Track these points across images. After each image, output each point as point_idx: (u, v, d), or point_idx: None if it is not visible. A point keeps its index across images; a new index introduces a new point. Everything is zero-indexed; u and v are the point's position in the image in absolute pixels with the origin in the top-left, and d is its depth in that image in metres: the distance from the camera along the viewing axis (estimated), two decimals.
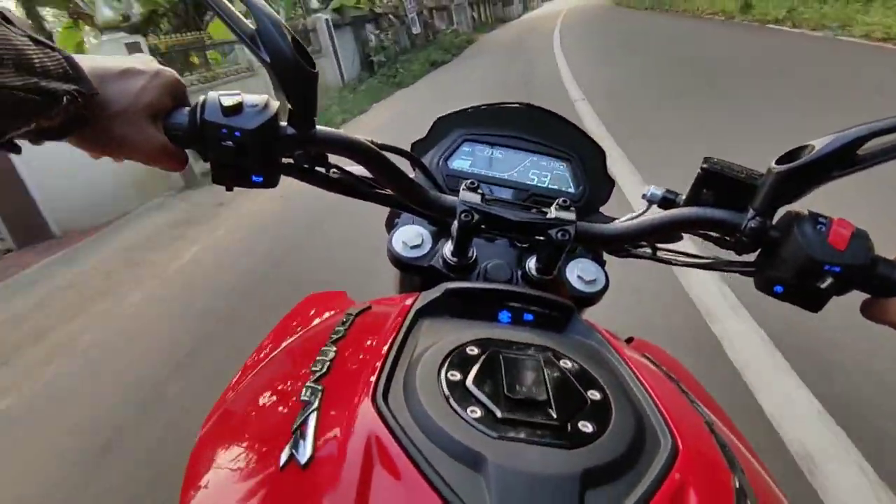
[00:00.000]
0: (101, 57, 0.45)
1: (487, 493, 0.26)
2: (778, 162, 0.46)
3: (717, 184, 0.52)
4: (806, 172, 0.45)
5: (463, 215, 0.50)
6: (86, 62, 0.42)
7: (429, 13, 16.30)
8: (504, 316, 0.46)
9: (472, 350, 0.37)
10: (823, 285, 0.47)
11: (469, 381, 0.33)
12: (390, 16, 13.25)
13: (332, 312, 0.53)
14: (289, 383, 0.37)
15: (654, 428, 0.33)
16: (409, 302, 0.44)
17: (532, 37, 15.00)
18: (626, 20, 15.50)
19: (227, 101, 0.45)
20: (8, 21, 0.36)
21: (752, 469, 0.36)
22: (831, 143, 0.44)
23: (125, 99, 0.44)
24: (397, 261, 0.62)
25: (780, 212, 0.49)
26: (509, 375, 0.34)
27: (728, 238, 0.52)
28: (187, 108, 0.48)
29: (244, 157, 0.47)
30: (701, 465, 0.31)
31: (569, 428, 0.31)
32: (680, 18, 13.33)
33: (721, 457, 0.33)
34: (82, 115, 0.41)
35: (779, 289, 0.50)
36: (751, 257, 0.53)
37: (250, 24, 0.45)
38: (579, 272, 0.62)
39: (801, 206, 0.48)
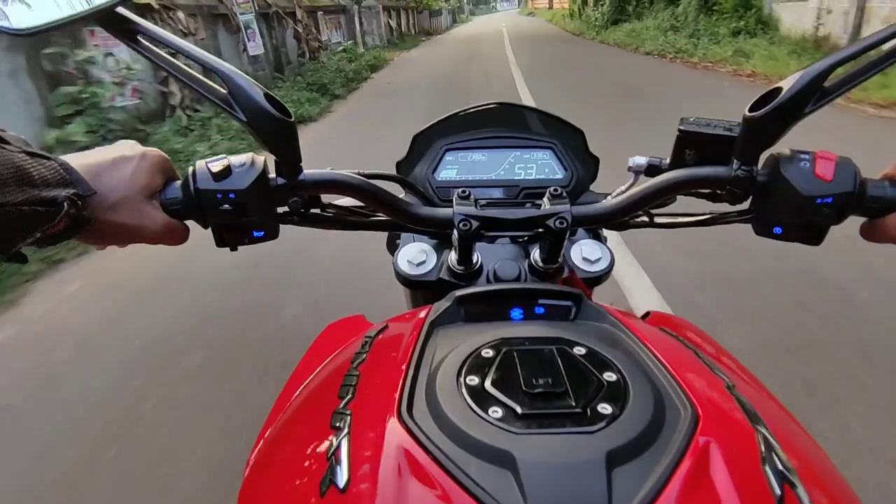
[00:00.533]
0: (90, 152, 0.47)
1: (518, 489, 0.27)
2: (751, 109, 0.47)
3: (697, 142, 0.53)
4: (779, 113, 0.46)
5: (461, 224, 0.51)
6: (76, 161, 0.44)
7: (308, 17, 9.82)
8: (516, 313, 0.47)
9: (488, 352, 0.38)
10: (819, 218, 0.47)
11: (487, 383, 0.35)
12: (173, 15, 5.69)
13: (352, 339, 0.54)
14: (319, 414, 0.38)
15: (672, 399, 0.34)
16: (422, 315, 0.45)
17: (476, 66, 10.39)
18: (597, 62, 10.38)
19: (215, 167, 0.48)
20: (3, 140, 0.39)
21: (779, 423, 0.37)
22: (798, 80, 0.45)
23: (120, 189, 0.45)
24: (406, 280, 0.63)
25: (763, 156, 0.50)
26: (526, 371, 0.35)
27: (719, 192, 0.53)
28: (178, 182, 0.50)
29: (243, 216, 0.49)
30: (723, 428, 0.31)
31: (588, 413, 0.32)
32: (630, 55, 11.03)
33: (744, 416, 0.34)
34: (83, 216, 0.42)
35: (778, 230, 0.51)
36: (745, 205, 0.54)
37: (221, 87, 0.47)
38: (583, 254, 0.63)
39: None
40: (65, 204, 0.39)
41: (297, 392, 0.49)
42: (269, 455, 0.42)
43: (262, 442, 0.45)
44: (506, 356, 0.37)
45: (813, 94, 0.45)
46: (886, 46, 0.44)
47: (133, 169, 0.46)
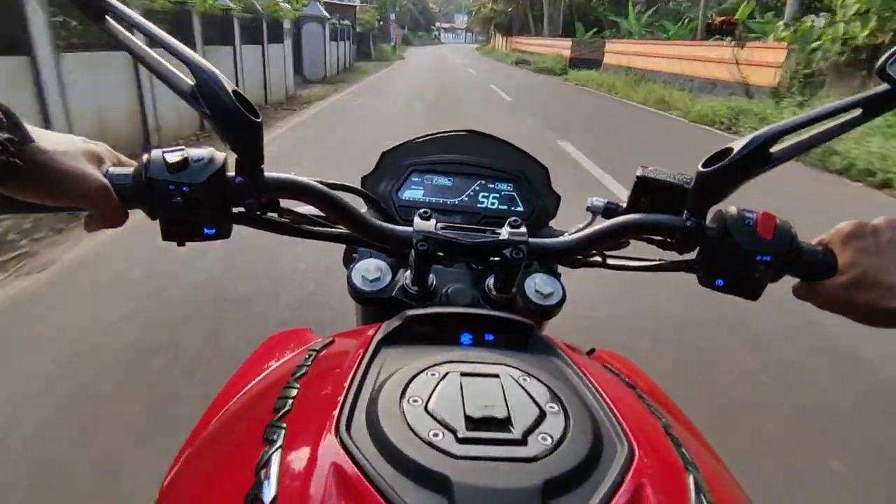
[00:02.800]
0: None
1: None
2: (704, 165, 0.50)
3: (653, 190, 0.55)
4: (728, 173, 0.48)
5: (419, 244, 0.51)
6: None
7: None
8: (466, 338, 0.47)
9: (433, 374, 0.37)
10: (758, 274, 0.50)
11: (430, 406, 0.34)
12: None
13: (296, 351, 0.53)
14: (251, 425, 0.37)
15: (610, 435, 0.34)
16: (371, 333, 0.45)
17: None
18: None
19: (172, 158, 0.46)
20: None
21: (710, 467, 0.38)
22: (746, 144, 0.48)
23: (63, 142, 0.43)
24: (358, 295, 0.62)
25: (712, 211, 0.53)
26: (469, 396, 0.35)
27: (669, 240, 0.55)
28: (131, 168, 0.48)
29: (194, 211, 0.47)
30: (656, 467, 0.32)
31: (528, 442, 0.32)
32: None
33: (677, 457, 0.35)
34: (11, 161, 0.39)
35: (720, 282, 0.53)
36: (692, 255, 0.56)
37: (188, 79, 0.46)
38: (537, 287, 0.64)
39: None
40: None
41: (231, 401, 0.47)
42: (194, 463, 0.39)
43: (187, 450, 0.43)
44: (451, 380, 0.37)
45: (760, 159, 0.48)
46: (833, 120, 0.48)
47: (79, 140, 0.45)
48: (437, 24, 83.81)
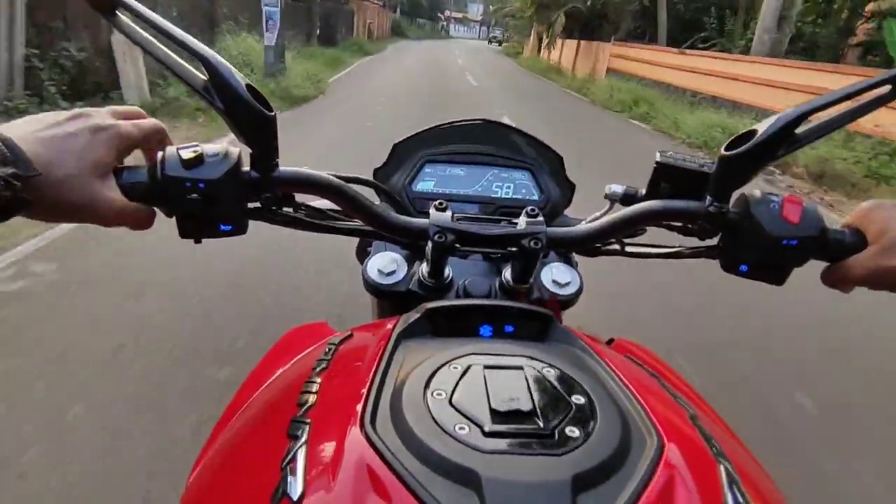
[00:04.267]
0: (39, 117, 0.42)
1: None
2: (727, 148, 0.49)
3: (672, 176, 0.54)
4: (753, 155, 0.47)
5: (436, 236, 0.51)
6: (21, 130, 0.39)
7: None
8: (485, 330, 0.46)
9: (456, 367, 0.37)
10: (784, 259, 0.49)
11: (455, 399, 0.34)
12: None
13: (315, 345, 0.53)
14: (275, 420, 0.37)
15: (639, 427, 0.34)
16: (390, 326, 0.44)
17: None
18: None
19: (187, 154, 0.45)
20: None
21: (740, 459, 0.37)
22: (772, 125, 0.46)
23: (64, 165, 0.41)
24: (374, 289, 0.62)
25: (735, 195, 0.51)
26: (493, 389, 0.35)
27: (690, 226, 0.54)
28: (144, 167, 0.48)
29: (211, 208, 0.47)
30: (687, 459, 0.31)
31: (556, 435, 0.31)
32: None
33: (706, 448, 0.34)
34: (20, 197, 0.37)
35: (744, 268, 0.52)
36: (713, 241, 0.55)
37: (201, 74, 0.46)
38: (554, 276, 0.63)
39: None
40: None
41: (253, 396, 0.47)
42: (219, 460, 0.39)
43: (212, 446, 0.43)
44: (474, 373, 0.36)
45: (785, 140, 0.46)
46: (858, 100, 0.46)
47: (83, 145, 0.42)
48: (447, 12, 61.93)
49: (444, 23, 57.60)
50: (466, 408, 0.33)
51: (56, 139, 0.41)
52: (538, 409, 0.33)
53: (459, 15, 69.32)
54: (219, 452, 0.41)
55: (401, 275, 0.62)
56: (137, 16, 0.45)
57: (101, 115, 0.45)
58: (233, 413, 0.46)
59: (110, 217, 0.44)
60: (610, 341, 0.64)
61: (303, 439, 0.32)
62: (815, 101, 0.46)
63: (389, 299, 0.63)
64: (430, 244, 0.52)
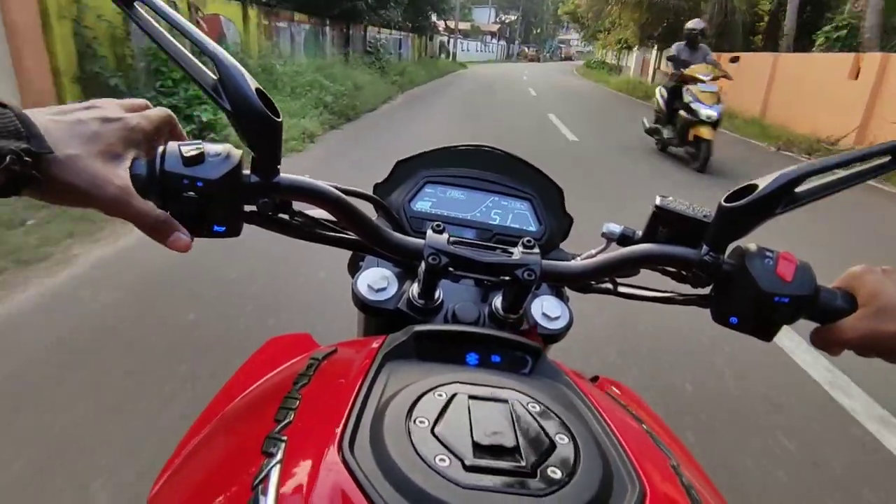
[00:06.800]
0: (60, 107, 0.43)
1: None
2: (727, 200, 0.49)
3: (670, 221, 0.54)
4: (751, 209, 0.48)
5: (430, 258, 0.50)
6: (42, 117, 0.40)
7: None
8: (472, 358, 0.45)
9: (440, 395, 0.36)
10: (775, 315, 0.49)
11: (437, 428, 0.33)
12: None
13: (297, 357, 0.51)
14: (250, 434, 0.35)
15: (621, 472, 0.33)
16: (375, 345, 0.43)
17: None
18: None
19: (188, 152, 0.45)
20: None
21: None
22: (773, 182, 0.47)
23: (85, 137, 0.42)
24: (362, 304, 0.61)
25: (731, 247, 0.52)
26: (477, 420, 0.34)
27: (684, 272, 0.54)
28: (145, 160, 0.47)
29: (206, 207, 0.46)
30: None
31: (538, 475, 0.31)
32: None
33: (687, 499, 0.34)
34: (30, 174, 0.38)
35: (734, 320, 0.52)
36: (706, 291, 0.55)
37: (212, 73, 0.45)
38: (544, 309, 0.63)
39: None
40: (7, 157, 0.35)
41: (228, 407, 0.45)
42: (186, 472, 0.38)
43: (179, 456, 0.41)
44: (458, 402, 0.36)
45: (785, 197, 0.47)
46: (859, 166, 0.47)
47: (92, 132, 0.42)
48: (447, 21, 30.36)
49: (447, 39, 32.19)
50: (448, 439, 0.32)
51: (65, 124, 0.42)
52: (521, 446, 0.32)
53: (466, 25, 46.86)
54: (187, 464, 0.39)
55: (391, 292, 0.61)
56: (155, 10, 0.45)
57: (112, 107, 0.45)
58: (204, 424, 0.45)
59: (114, 207, 0.43)
60: (594, 379, 0.63)
61: (277, 457, 0.31)
62: (816, 162, 0.47)
63: (377, 316, 0.62)
64: (423, 265, 0.51)
